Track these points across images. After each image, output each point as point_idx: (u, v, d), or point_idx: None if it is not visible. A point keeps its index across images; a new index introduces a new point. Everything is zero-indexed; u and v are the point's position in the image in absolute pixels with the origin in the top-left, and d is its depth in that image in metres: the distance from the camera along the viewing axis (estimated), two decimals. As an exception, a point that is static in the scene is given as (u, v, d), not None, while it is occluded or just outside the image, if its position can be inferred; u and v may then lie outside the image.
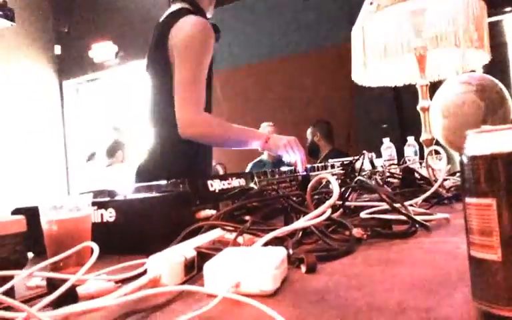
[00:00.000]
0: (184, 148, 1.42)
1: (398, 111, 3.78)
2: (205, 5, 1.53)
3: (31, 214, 0.58)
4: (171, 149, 1.45)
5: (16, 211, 0.74)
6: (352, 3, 2.19)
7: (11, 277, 0.44)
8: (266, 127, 3.70)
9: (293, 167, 1.35)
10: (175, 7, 1.50)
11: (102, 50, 5.33)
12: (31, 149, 5.07)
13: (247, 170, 3.45)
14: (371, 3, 1.69)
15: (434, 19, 1.63)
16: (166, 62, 1.41)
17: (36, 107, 5.28)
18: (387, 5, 1.62)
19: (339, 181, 1.04)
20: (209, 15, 1.55)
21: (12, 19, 3.55)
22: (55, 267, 0.54)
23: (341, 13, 3.80)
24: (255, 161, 3.74)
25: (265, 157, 3.73)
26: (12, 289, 0.44)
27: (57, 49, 5.59)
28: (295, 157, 1.43)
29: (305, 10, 4.29)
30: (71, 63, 5.57)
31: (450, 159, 1.47)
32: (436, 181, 0.99)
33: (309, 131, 3.68)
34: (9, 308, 0.36)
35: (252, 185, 0.96)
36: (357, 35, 1.78)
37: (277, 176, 1.10)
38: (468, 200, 0.32)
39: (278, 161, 3.59)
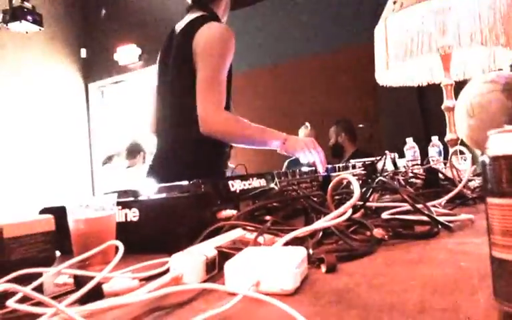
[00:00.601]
0: (200, 148, 1.45)
1: (422, 110, 3.71)
2: (221, 13, 1.59)
3: (58, 213, 0.60)
4: (185, 148, 1.48)
5: (44, 211, 0.77)
6: (374, 2, 2.17)
7: (40, 275, 0.46)
8: (303, 129, 3.69)
9: (314, 168, 1.35)
10: (193, 15, 1.54)
11: (126, 53, 5.44)
12: (57, 149, 5.21)
13: (284, 168, 3.39)
14: (395, 2, 1.67)
15: (459, 17, 1.59)
16: (190, 70, 1.45)
17: (62, 108, 5.43)
18: (410, 3, 1.59)
19: (360, 182, 1.03)
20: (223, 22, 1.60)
21: (40, 24, 3.66)
22: (81, 265, 0.56)
23: (363, 12, 3.77)
24: (292, 158, 3.71)
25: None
26: (41, 285, 0.46)
27: (83, 53, 5.73)
28: (313, 157, 1.43)
29: (326, 9, 4.27)
30: (96, 66, 5.71)
31: (475, 160, 1.44)
32: (460, 181, 0.97)
33: (332, 130, 3.62)
34: (38, 304, 0.37)
35: (272, 185, 0.96)
36: (380, 34, 1.76)
37: (297, 176, 1.10)
38: (490, 200, 0.32)
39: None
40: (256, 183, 0.90)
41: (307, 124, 3.72)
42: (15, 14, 3.51)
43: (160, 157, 1.58)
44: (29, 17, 3.55)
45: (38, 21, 3.65)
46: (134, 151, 3.98)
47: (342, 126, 3.57)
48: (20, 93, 4.93)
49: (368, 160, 1.44)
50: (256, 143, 1.50)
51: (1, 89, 4.74)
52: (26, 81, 5.02)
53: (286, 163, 3.59)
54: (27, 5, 3.59)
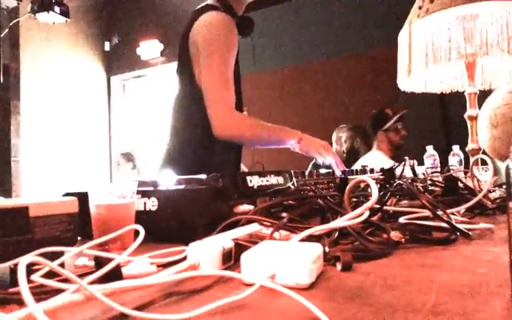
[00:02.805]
0: (207, 151, 1.43)
1: (443, 119, 3.66)
2: (234, 2, 1.49)
3: (80, 199, 0.61)
4: (192, 151, 1.46)
5: (66, 195, 0.79)
6: (399, 6, 2.15)
7: (62, 253, 0.48)
8: (342, 128, 3.66)
9: (331, 170, 1.34)
10: (203, 4, 1.49)
11: (149, 48, 5.51)
12: (78, 139, 5.32)
13: (309, 169, 3.39)
14: (420, 7, 1.65)
15: (486, 25, 1.57)
16: (188, 62, 1.41)
17: (84, 99, 5.53)
18: (436, 9, 1.58)
19: (378, 186, 1.02)
20: (239, 13, 1.52)
21: (67, 15, 3.73)
22: (101, 249, 0.57)
23: (387, 16, 3.73)
24: (314, 160, 3.70)
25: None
26: (62, 264, 0.47)
27: (107, 46, 5.82)
28: (328, 159, 1.43)
29: (350, 12, 4.24)
30: (119, 60, 5.79)
31: (496, 171, 1.41)
32: (481, 191, 0.96)
33: (346, 136, 3.62)
34: (60, 281, 0.39)
35: (289, 184, 0.96)
36: (404, 39, 1.75)
37: (314, 177, 1.10)
38: (512, 205, 0.32)
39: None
40: (273, 180, 0.90)
41: (344, 125, 3.70)
42: (44, 4, 3.59)
43: (168, 153, 1.56)
44: (57, 8, 3.63)
45: (65, 12, 3.72)
46: (127, 158, 4.20)
47: (357, 131, 3.57)
48: (44, 83, 5.04)
49: (386, 164, 1.43)
50: (271, 142, 1.48)
51: (25, 78, 4.86)
52: (51, 71, 5.12)
53: (311, 165, 3.58)
54: (56, -4, 3.67)
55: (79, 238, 0.78)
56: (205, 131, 1.38)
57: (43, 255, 0.44)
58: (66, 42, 5.32)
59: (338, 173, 1.32)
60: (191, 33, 1.40)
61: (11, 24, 4.02)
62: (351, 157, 3.47)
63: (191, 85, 1.42)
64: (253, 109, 3.87)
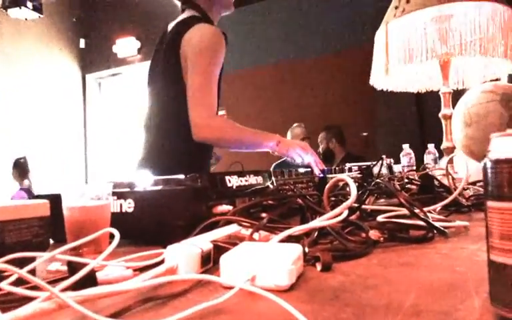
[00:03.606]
0: (186, 149, 1.46)
1: (419, 117, 3.73)
2: (213, 15, 1.58)
3: (52, 201, 0.59)
4: (170, 149, 1.49)
5: (37, 197, 0.76)
6: (376, 6, 2.18)
7: (33, 259, 0.46)
8: (296, 128, 3.71)
9: (310, 169, 1.35)
10: (184, 15, 1.55)
11: (125, 45, 5.42)
12: (52, 138, 5.18)
13: (271, 168, 3.43)
14: (396, 7, 1.67)
15: (460, 26, 1.60)
16: (177, 69, 1.45)
17: (59, 98, 5.40)
18: (412, 9, 1.60)
19: (356, 184, 1.03)
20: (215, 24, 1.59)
21: (40, 11, 3.64)
22: (75, 253, 0.55)
23: (363, 16, 3.78)
24: (279, 161, 3.74)
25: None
26: (33, 270, 0.46)
27: (82, 43, 5.70)
28: (307, 159, 1.45)
29: (326, 13, 4.28)
30: (95, 57, 5.68)
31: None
32: (456, 189, 0.98)
33: (322, 136, 3.67)
34: (31, 288, 0.37)
35: (269, 183, 0.96)
36: (381, 38, 1.76)
37: (293, 176, 1.10)
38: (489, 203, 0.32)
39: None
40: (253, 180, 0.90)
41: (302, 124, 3.74)
42: None
43: (148, 153, 1.57)
44: (29, 4, 3.53)
45: (38, 8, 3.62)
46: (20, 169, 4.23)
47: (333, 132, 3.65)
48: (17, 80, 4.89)
49: (364, 164, 1.45)
50: (250, 145, 1.51)
51: (-3, 75, 4.71)
52: (23, 68, 4.98)
53: (273, 166, 3.61)
54: (27, -9, 3.57)
55: (51, 242, 0.76)
56: (186, 131, 1.42)
57: (12, 261, 0.42)
58: (39, 38, 5.18)
59: (317, 172, 1.33)
60: (181, 44, 1.45)
61: (-20, 20, 3.89)
62: (326, 158, 3.53)
63: (177, 89, 1.45)
64: (231, 108, 3.87)
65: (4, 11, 3.52)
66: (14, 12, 3.53)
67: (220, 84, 1.52)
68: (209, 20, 1.52)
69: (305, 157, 1.45)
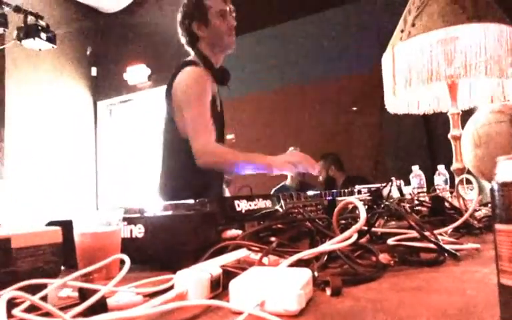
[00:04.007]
0: (190, 175, 1.62)
1: (428, 138, 3.72)
2: (216, 57, 1.74)
3: (64, 227, 0.60)
4: (180, 175, 1.67)
5: (50, 224, 0.77)
6: (382, 30, 2.20)
7: (45, 286, 0.46)
8: (293, 151, 3.74)
9: (318, 191, 1.35)
10: (187, 58, 1.76)
11: (136, 72, 5.52)
12: (64, 164, 5.25)
13: (272, 191, 3.48)
14: (402, 31, 1.69)
15: (466, 48, 1.61)
16: (170, 108, 1.67)
17: (71, 124, 5.48)
18: (417, 33, 1.61)
19: (366, 207, 1.03)
20: (217, 64, 1.76)
21: (53, 42, 3.73)
22: (85, 279, 0.56)
23: (370, 40, 3.81)
24: (278, 186, 3.76)
25: (288, 182, 3.77)
26: (45, 297, 0.46)
27: (94, 71, 5.82)
28: (300, 167, 1.53)
29: (334, 36, 4.33)
30: (106, 84, 5.79)
31: (481, 189, 1.43)
32: (467, 211, 0.97)
33: (320, 166, 3.71)
34: (43, 315, 0.37)
35: (278, 207, 0.96)
36: (388, 61, 1.78)
37: (302, 199, 1.10)
38: (498, 226, 0.32)
39: (301, 187, 3.62)
40: (261, 204, 0.90)
41: (298, 148, 3.80)
42: (29, 31, 3.58)
43: (160, 182, 1.75)
44: (43, 35, 3.62)
45: (51, 38, 3.71)
46: None
47: (330, 159, 3.73)
48: (29, 108, 4.99)
49: (373, 186, 1.44)
50: (245, 169, 1.61)
51: (11, 103, 4.81)
52: (36, 97, 5.08)
53: (272, 191, 3.64)
54: (41, 23, 3.67)
55: (63, 268, 0.77)
56: (188, 158, 1.57)
57: (25, 287, 0.43)
58: (52, 67, 5.30)
59: (315, 173, 1.39)
60: (173, 86, 1.65)
61: (-4, 50, 3.99)
62: (328, 185, 3.58)
63: (172, 126, 1.67)
64: (240, 132, 3.90)
65: (18, 42, 3.62)
66: (28, 43, 3.62)
67: (221, 112, 1.70)
68: (207, 62, 1.69)
69: (298, 165, 1.53)
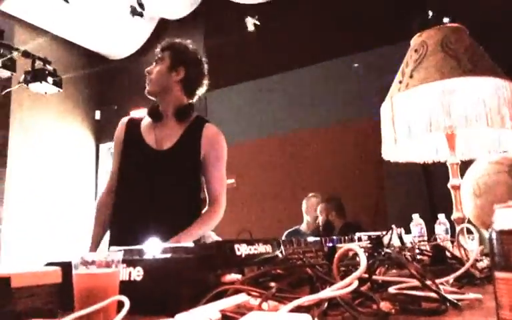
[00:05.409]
0: None
1: (428, 187, 3.73)
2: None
3: (63, 269, 0.60)
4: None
5: (49, 264, 0.76)
6: (382, 80, 2.25)
7: (42, 327, 0.46)
8: (312, 197, 3.77)
9: (318, 238, 1.34)
10: None
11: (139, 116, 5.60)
12: (64, 205, 5.24)
13: (283, 237, 3.44)
14: (400, 82, 1.74)
15: (462, 100, 1.64)
16: None
17: (72, 167, 5.52)
18: (415, 84, 1.65)
19: (366, 254, 1.02)
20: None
21: (59, 86, 3.82)
22: (82, 321, 0.55)
23: (370, 88, 3.90)
24: (291, 229, 3.73)
25: (303, 226, 3.74)
26: (42, 338, 0.45)
27: (97, 114, 5.92)
28: None
29: (334, 84, 4.43)
30: (109, 127, 5.86)
31: (482, 239, 1.42)
32: (468, 260, 0.96)
33: (321, 208, 3.70)
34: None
35: (278, 252, 0.95)
36: (386, 111, 1.81)
37: (302, 245, 1.09)
38: (497, 274, 0.32)
39: (316, 233, 3.57)
40: (261, 248, 0.89)
41: (318, 194, 3.81)
42: (37, 75, 3.68)
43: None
44: (49, 79, 3.72)
45: (58, 82, 3.81)
46: None
47: (332, 204, 3.72)
48: (32, 150, 5.04)
49: (374, 234, 1.44)
50: None
51: (15, 144, 4.86)
52: (38, 138, 5.14)
53: (285, 234, 3.62)
54: (49, 67, 3.77)
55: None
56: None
57: (21, 328, 0.43)
58: (57, 110, 5.39)
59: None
60: None
61: (3, 93, 4.08)
62: (326, 229, 3.56)
63: None
64: (243, 177, 3.91)
65: (25, 85, 3.70)
66: (35, 87, 3.71)
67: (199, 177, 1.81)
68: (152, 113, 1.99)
69: None
